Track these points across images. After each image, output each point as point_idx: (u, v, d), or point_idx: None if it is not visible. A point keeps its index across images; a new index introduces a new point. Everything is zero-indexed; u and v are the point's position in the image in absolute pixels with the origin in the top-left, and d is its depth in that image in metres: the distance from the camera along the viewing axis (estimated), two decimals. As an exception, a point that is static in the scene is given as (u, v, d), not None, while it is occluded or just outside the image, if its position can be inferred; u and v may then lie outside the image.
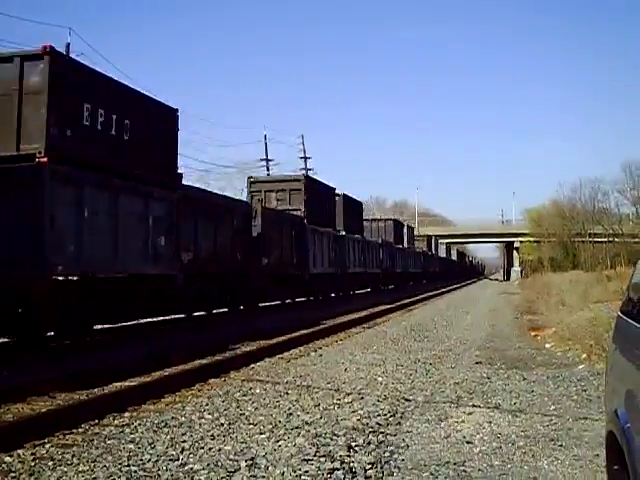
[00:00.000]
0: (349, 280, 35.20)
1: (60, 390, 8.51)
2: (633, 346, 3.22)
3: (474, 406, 8.00)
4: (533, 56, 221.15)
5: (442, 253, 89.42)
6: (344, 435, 6.53)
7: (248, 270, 20.86)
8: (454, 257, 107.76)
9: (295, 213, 27.62)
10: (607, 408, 3.71)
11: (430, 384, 9.54)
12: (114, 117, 13.34)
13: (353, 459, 5.75)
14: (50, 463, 5.53)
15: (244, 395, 8.57)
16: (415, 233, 70.01)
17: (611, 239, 47.58)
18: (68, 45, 34.82)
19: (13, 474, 5.25)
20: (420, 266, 63.66)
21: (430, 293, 41.29)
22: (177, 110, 16.40)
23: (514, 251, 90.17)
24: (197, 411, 7.59)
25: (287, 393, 8.71)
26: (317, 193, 30.31)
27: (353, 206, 39.46)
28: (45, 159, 11.20)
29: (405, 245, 57.13)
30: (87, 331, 13.45)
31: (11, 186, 11.25)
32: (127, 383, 9.14)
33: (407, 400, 8.33)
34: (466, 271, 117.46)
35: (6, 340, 12.42)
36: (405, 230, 59.89)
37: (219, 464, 5.54)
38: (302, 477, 5.25)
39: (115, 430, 6.71)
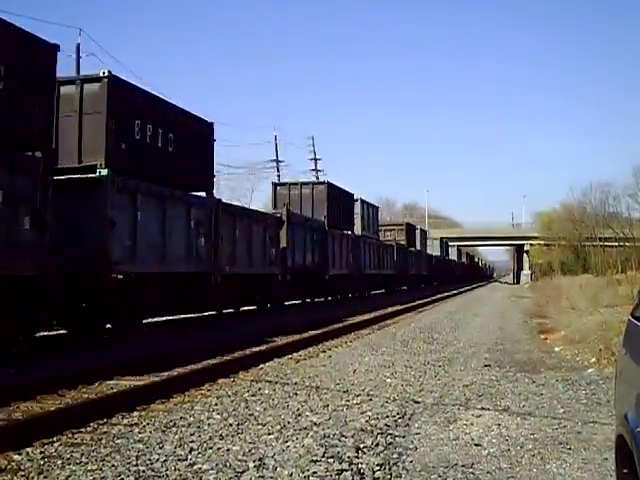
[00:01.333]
0: (136, 294, 14.86)
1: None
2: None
3: (483, 409, 7.98)
4: (548, 66, 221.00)
5: (436, 250, 71.15)
6: (352, 436, 6.52)
7: None
8: (454, 256, 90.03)
9: None
10: (617, 412, 3.70)
11: (439, 386, 9.52)
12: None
13: (361, 460, 5.75)
14: (59, 462, 5.55)
15: (253, 395, 8.58)
16: (383, 220, 49.34)
17: (622, 243, 47.30)
18: (78, 45, 34.93)
19: (22, 472, 5.28)
20: (392, 266, 45.44)
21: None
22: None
23: (524, 254, 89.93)
24: (206, 411, 7.61)
25: (296, 394, 8.71)
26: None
27: (168, 121, 16.60)
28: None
29: (359, 232, 37.31)
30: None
31: None
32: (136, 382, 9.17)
33: (416, 402, 8.32)
34: (471, 274, 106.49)
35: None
36: (359, 208, 37.86)
37: (227, 464, 5.54)
38: (310, 478, 5.24)
39: (124, 429, 6.74)
